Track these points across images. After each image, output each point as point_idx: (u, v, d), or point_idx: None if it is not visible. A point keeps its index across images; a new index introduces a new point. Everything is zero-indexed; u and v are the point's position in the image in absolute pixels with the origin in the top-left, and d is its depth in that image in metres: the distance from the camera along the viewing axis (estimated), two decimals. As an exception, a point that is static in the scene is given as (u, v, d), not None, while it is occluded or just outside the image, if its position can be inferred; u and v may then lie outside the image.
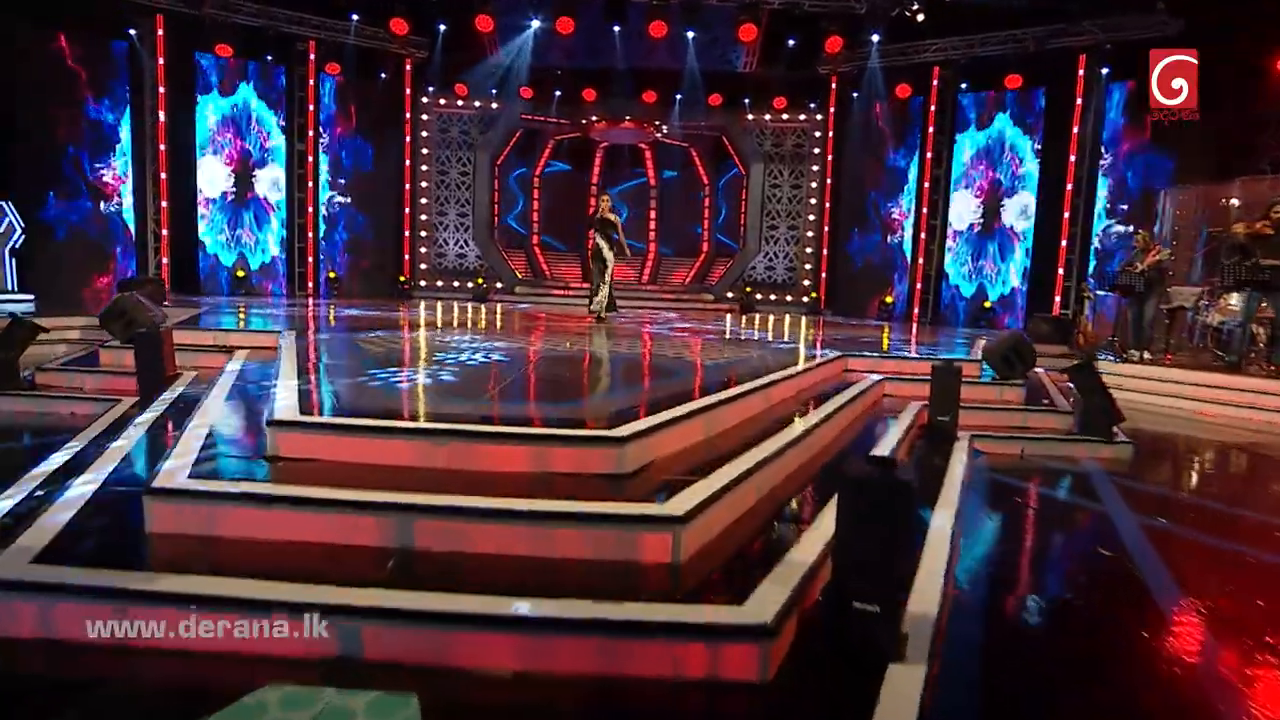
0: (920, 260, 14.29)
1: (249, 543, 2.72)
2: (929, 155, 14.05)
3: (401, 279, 15.66)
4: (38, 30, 11.26)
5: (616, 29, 13.88)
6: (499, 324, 9.87)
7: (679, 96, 15.38)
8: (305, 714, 2.05)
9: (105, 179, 12.19)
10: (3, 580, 2.37)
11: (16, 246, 10.28)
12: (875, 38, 13.61)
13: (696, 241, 18.17)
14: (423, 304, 13.83)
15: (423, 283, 16.01)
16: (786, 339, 9.24)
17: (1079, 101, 12.44)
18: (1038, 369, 7.66)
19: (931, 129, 13.96)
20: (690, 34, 13.96)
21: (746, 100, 15.76)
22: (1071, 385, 6.44)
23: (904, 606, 2.53)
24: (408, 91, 15.35)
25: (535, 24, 13.90)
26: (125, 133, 12.32)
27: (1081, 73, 12.38)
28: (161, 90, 12.28)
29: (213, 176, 13.49)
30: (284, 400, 3.69)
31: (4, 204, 10.14)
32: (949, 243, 14.25)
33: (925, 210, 14.17)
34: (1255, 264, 7.75)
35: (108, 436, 4.34)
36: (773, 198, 16.42)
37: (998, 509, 4.48)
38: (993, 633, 2.77)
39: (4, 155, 10.81)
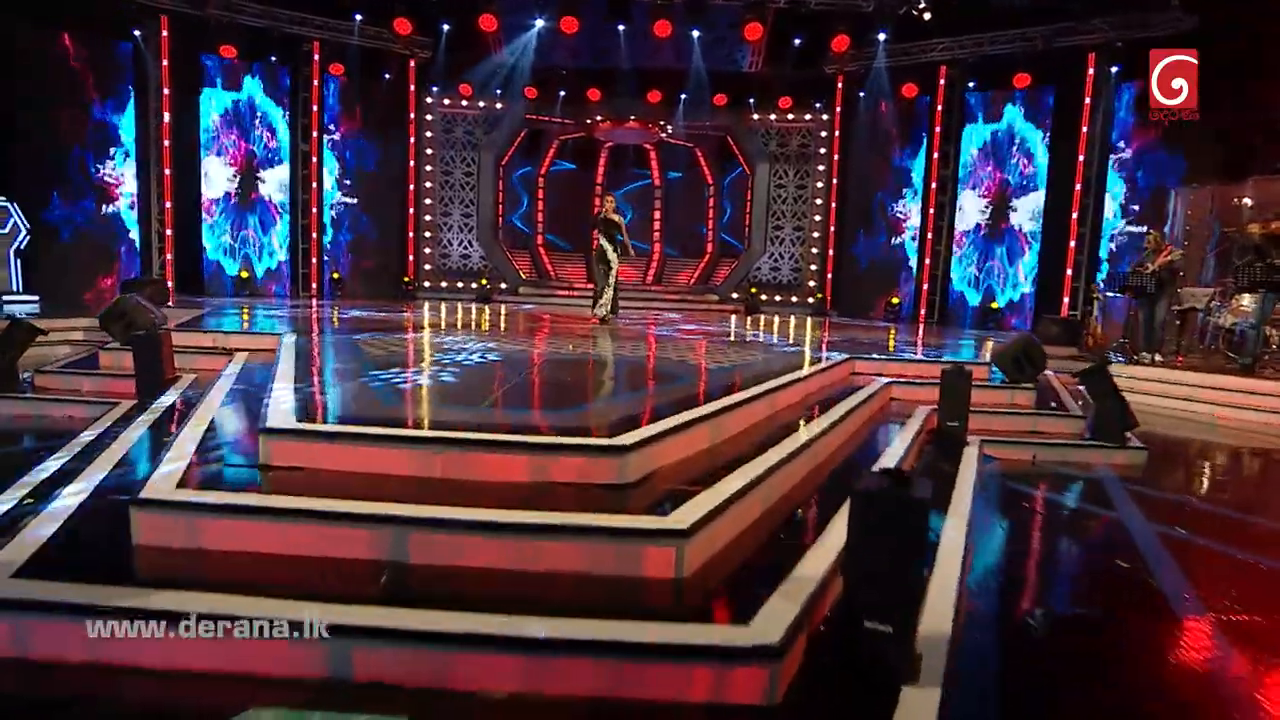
0: (927, 261, 14.16)
1: (237, 556, 2.64)
2: (935, 155, 13.92)
3: (406, 280, 15.62)
4: (43, 31, 11.25)
5: (621, 28, 13.81)
6: (502, 326, 9.79)
7: (684, 96, 15.29)
8: (292, 739, 1.97)
9: (109, 180, 12.17)
10: (-19, 596, 2.29)
11: (21, 247, 10.27)
12: (882, 37, 13.51)
13: (701, 242, 18.07)
14: (426, 305, 13.78)
15: (427, 283, 15.96)
16: (792, 341, 9.13)
17: (1088, 100, 12.30)
18: (1046, 371, 7.53)
19: (938, 128, 13.84)
20: (695, 33, 13.88)
21: (752, 100, 15.67)
22: (1083, 389, 6.32)
23: (917, 626, 2.42)
24: (412, 90, 15.30)
25: (539, 23, 13.84)
26: (130, 134, 12.30)
27: (1091, 70, 12.24)
28: (166, 91, 12.25)
29: (217, 177, 13.47)
30: (278, 407, 3.60)
31: (9, 205, 10.12)
32: (955, 248, 14.13)
33: (932, 210, 14.05)
34: (1269, 264, 7.61)
35: (102, 442, 4.26)
36: (778, 198, 16.31)
37: (1010, 518, 4.36)
38: (1009, 652, 2.66)
39: (8, 156, 10.80)
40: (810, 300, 15.90)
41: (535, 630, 2.20)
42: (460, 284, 16.06)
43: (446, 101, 15.81)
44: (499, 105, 15.82)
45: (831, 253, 15.80)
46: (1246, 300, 8.40)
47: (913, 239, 14.56)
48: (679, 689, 2.17)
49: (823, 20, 13.46)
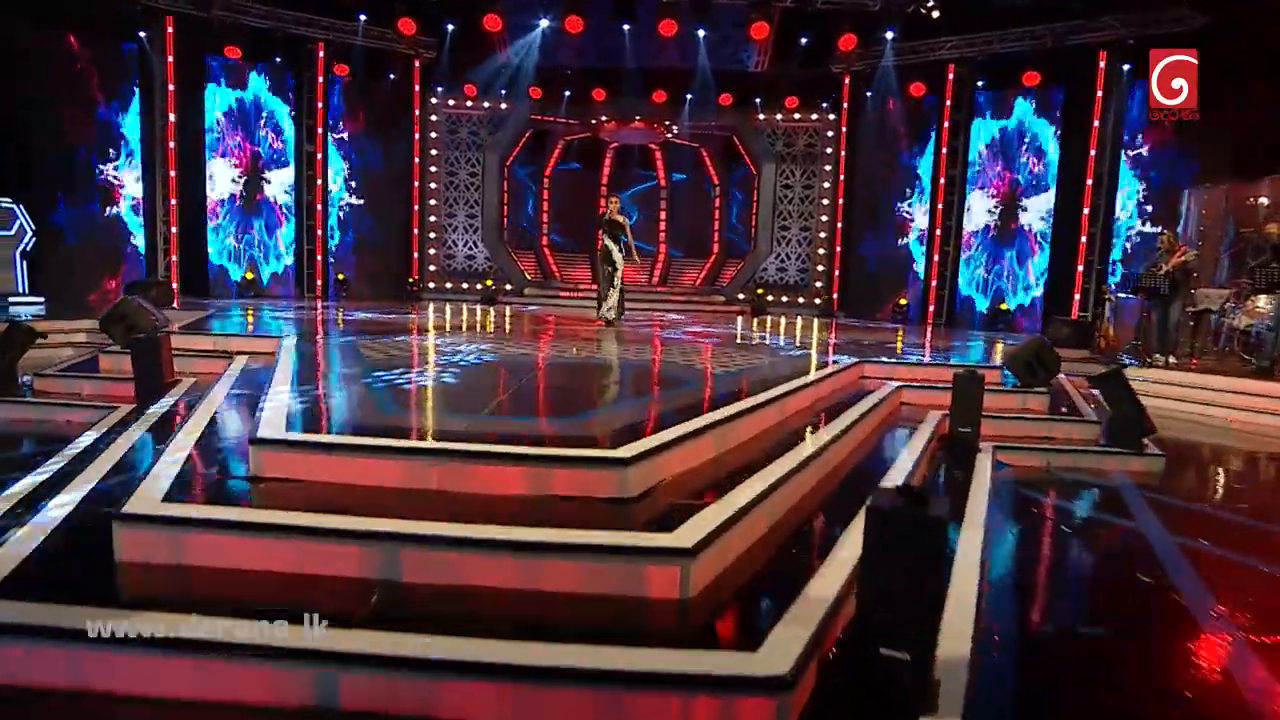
0: (935, 261, 14.00)
1: (223, 573, 2.53)
2: (944, 154, 13.76)
3: (410, 281, 15.54)
4: (48, 32, 11.19)
5: (626, 28, 13.68)
6: (506, 328, 9.69)
7: (689, 96, 15.12)
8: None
9: (114, 181, 12.13)
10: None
11: (27, 249, 10.24)
12: (889, 35, 13.32)
13: (707, 243, 17.93)
14: (431, 306, 13.70)
15: (431, 284, 15.87)
16: (800, 343, 9.00)
17: (1099, 96, 12.12)
18: (1058, 375, 7.38)
19: (946, 127, 13.68)
20: (701, 33, 13.74)
21: (758, 100, 15.50)
22: (1097, 394, 6.18)
23: (935, 649, 2.30)
24: (416, 90, 15.22)
25: (544, 23, 13.72)
26: (135, 135, 12.26)
27: (1102, 65, 12.05)
28: (171, 89, 12.20)
29: (222, 179, 13.43)
30: (270, 416, 3.50)
31: (15, 207, 10.10)
32: (965, 249, 13.96)
33: (940, 210, 13.88)
34: (1287, 266, 7.45)
35: (95, 449, 4.18)
36: (784, 198, 16.15)
37: (1027, 528, 4.23)
38: (1031, 676, 2.54)
39: (14, 157, 10.76)
40: (817, 301, 15.74)
41: (531, 658, 2.09)
42: (465, 285, 15.96)
43: (451, 102, 15.71)
44: (504, 105, 15.71)
45: (839, 253, 15.63)
46: (1263, 301, 8.22)
47: (919, 240, 14.39)
48: (683, 720, 2.05)
49: (829, 19, 13.28)
